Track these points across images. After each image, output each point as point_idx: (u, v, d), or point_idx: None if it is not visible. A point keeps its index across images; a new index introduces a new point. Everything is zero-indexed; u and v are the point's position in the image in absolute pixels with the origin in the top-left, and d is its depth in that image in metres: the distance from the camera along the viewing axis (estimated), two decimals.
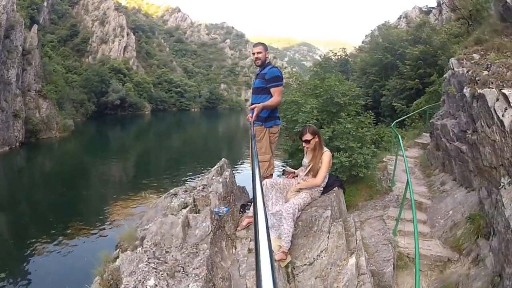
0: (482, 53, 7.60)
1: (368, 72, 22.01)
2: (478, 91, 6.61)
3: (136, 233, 3.98)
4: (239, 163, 26.13)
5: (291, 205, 3.90)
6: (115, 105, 61.11)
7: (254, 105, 3.99)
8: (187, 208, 4.08)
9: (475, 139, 7.08)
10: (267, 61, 4.31)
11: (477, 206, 7.04)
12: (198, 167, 23.51)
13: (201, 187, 4.81)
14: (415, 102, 16.12)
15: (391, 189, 9.28)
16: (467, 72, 7.62)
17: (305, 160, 4.23)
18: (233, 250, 4.12)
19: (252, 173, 1.58)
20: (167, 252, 3.42)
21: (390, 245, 6.18)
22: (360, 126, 10.91)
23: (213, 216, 3.98)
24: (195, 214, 4.01)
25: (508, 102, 5.80)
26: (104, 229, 13.61)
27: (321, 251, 4.03)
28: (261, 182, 1.38)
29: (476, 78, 7.02)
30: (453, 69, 8.46)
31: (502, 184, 5.95)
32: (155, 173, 24.04)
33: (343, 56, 29.88)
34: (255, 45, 4.37)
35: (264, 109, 4.06)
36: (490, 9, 9.94)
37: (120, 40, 76.41)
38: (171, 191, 5.09)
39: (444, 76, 9.64)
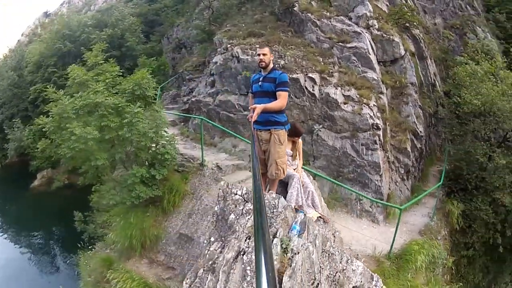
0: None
1: (46, 64, 20.46)
2: (290, 75, 10.45)
3: None
4: None
5: (306, 178, 5.39)
6: None
7: (254, 105, 4.13)
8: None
9: None
10: (272, 65, 4.51)
11: None
12: None
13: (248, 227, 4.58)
14: None
15: (204, 165, 10.18)
16: None
17: (288, 150, 5.15)
18: None
19: (253, 173, 1.74)
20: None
21: None
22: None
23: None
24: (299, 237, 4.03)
25: (315, 81, 10.22)
26: None
27: None
28: (261, 183, 1.61)
29: (275, 65, 10.79)
30: (237, 56, 11.52)
31: (316, 129, 10.45)
32: None
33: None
34: (262, 46, 5.12)
35: (265, 111, 4.16)
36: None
37: None
38: (227, 257, 3.91)
39: (215, 60, 12.35)
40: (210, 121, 10.95)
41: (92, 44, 17.49)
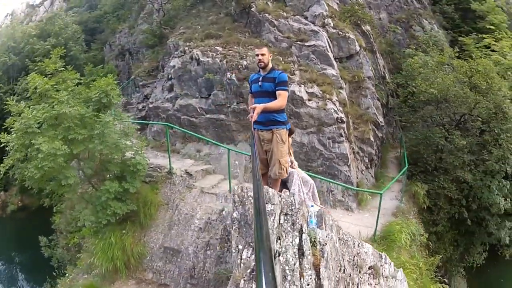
0: (223, 46, 11.29)
1: None
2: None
3: None
4: None
5: (303, 173, 5.77)
6: None
7: (254, 105, 4.17)
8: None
9: (243, 107, 11.07)
10: (271, 65, 4.56)
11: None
12: None
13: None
14: None
15: (172, 172, 9.93)
16: (220, 61, 11.11)
17: None
18: None
19: (253, 173, 1.98)
20: None
21: None
22: None
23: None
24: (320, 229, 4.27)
25: None
26: None
27: None
28: (261, 183, 1.74)
29: (239, 66, 10.86)
30: (197, 59, 11.34)
31: None
32: None
33: None
34: (259, 46, 5.30)
35: (265, 110, 4.18)
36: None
37: None
38: None
39: (172, 64, 12.01)
40: (178, 127, 10.64)
41: (36, 56, 16.80)
